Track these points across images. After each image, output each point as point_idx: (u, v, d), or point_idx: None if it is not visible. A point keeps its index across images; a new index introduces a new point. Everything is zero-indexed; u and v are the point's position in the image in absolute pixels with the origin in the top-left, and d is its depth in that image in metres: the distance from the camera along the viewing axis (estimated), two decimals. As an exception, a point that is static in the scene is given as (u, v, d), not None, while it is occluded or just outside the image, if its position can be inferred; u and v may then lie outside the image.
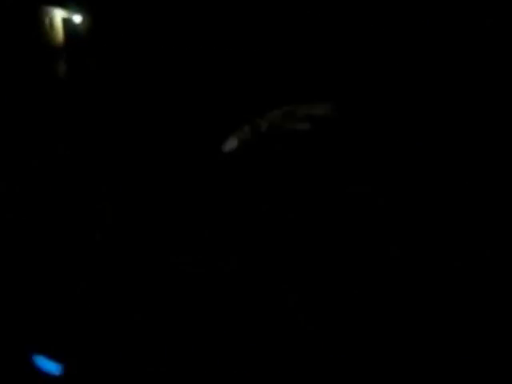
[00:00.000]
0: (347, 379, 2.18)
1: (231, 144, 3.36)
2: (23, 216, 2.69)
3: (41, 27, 3.69)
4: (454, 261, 2.65)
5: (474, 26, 3.63)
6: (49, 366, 1.98)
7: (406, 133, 3.57)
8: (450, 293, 2.54)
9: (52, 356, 2.00)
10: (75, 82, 4.14)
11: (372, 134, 3.59)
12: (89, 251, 2.63)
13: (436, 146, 3.48)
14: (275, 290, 2.45)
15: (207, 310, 2.39)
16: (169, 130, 3.73)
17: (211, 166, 3.37)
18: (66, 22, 4.17)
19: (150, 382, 2.08)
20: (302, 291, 2.45)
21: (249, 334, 2.20)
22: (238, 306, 2.32)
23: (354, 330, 2.40)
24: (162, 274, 2.53)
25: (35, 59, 3.53)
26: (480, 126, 3.46)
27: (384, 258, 2.74)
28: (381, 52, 3.90)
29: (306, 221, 3.00)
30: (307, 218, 3.02)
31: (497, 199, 3.11)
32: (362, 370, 2.19)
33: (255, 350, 2.21)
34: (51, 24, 3.90)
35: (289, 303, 2.36)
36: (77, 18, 4.17)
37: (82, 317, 2.24)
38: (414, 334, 2.34)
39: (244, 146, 3.42)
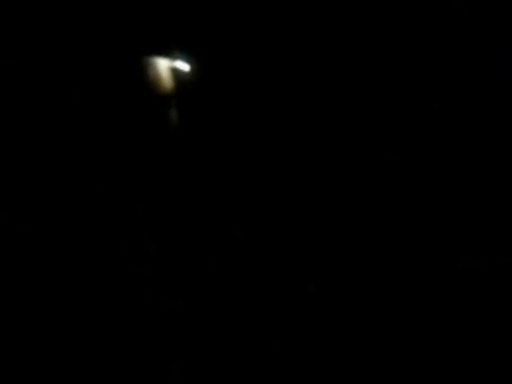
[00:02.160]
0: (347, 379, 2.14)
1: None
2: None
3: (149, 78, 3.72)
4: (454, 260, 2.68)
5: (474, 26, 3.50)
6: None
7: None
8: (449, 292, 2.51)
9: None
10: (185, 130, 4.17)
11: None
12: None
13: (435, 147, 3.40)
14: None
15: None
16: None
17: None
18: (174, 71, 4.25)
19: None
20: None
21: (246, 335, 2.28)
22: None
23: (353, 329, 2.34)
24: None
25: (144, 109, 3.56)
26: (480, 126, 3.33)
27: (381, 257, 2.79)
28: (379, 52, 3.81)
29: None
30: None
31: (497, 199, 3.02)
32: (361, 370, 2.15)
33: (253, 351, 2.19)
34: (159, 74, 3.95)
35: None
36: (184, 66, 4.20)
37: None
38: (414, 334, 2.30)
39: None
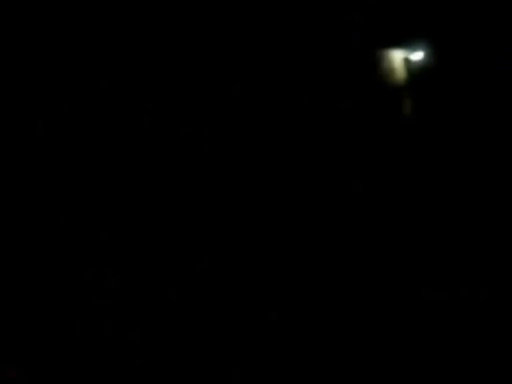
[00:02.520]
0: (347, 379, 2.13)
1: None
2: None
3: (382, 70, 3.76)
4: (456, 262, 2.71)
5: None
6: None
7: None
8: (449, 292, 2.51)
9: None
10: (419, 121, 4.00)
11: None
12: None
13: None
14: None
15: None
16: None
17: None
18: (407, 62, 4.11)
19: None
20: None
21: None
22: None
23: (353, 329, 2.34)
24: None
25: (377, 101, 3.54)
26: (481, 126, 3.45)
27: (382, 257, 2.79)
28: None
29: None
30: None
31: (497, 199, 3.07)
32: (361, 370, 2.14)
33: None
34: (392, 65, 3.93)
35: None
36: (417, 57, 4.04)
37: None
38: (414, 334, 2.31)
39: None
